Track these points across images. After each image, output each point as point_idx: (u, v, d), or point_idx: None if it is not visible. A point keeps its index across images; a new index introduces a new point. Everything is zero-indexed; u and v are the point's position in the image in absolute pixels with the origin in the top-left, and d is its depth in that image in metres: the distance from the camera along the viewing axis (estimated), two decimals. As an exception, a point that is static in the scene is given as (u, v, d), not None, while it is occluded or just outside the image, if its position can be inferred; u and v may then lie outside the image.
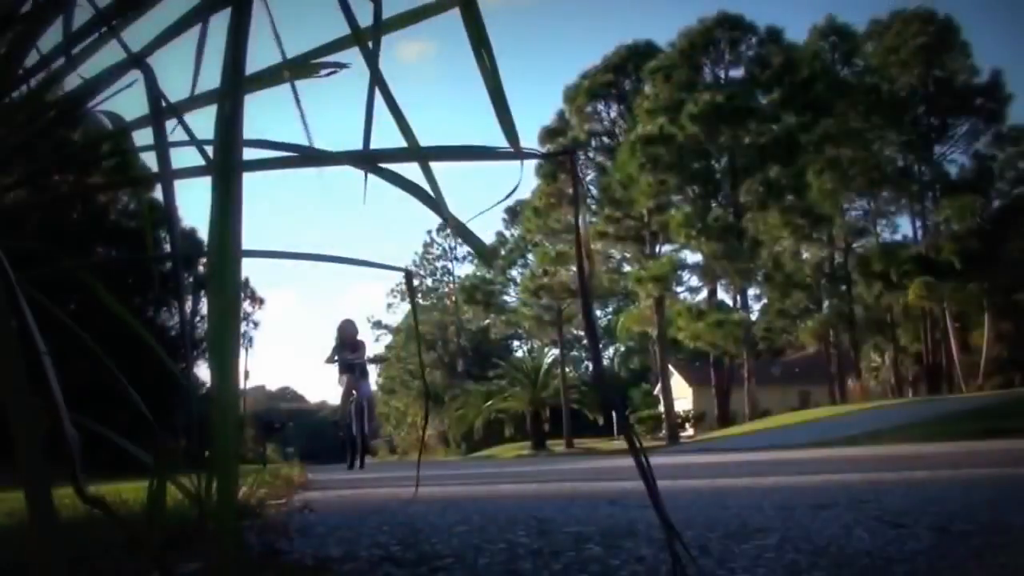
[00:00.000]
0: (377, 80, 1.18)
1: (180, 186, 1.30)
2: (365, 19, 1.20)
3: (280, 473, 8.26)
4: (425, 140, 1.24)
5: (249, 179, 1.34)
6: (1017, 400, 21.32)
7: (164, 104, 1.26)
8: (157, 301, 27.30)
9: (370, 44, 1.20)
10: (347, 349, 16.84)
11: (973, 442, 11.52)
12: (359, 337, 17.80)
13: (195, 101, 1.33)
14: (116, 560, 1.45)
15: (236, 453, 0.91)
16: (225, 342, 0.91)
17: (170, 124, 1.30)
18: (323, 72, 1.42)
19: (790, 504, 2.77)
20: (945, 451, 8.38)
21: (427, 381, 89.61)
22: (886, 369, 66.03)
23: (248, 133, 1.39)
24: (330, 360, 16.98)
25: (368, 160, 1.25)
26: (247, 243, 0.95)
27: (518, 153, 1.29)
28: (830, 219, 55.82)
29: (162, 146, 1.22)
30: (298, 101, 1.32)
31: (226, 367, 0.90)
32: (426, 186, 1.27)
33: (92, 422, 1.27)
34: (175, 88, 1.30)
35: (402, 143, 1.23)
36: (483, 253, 1.75)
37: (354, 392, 16.73)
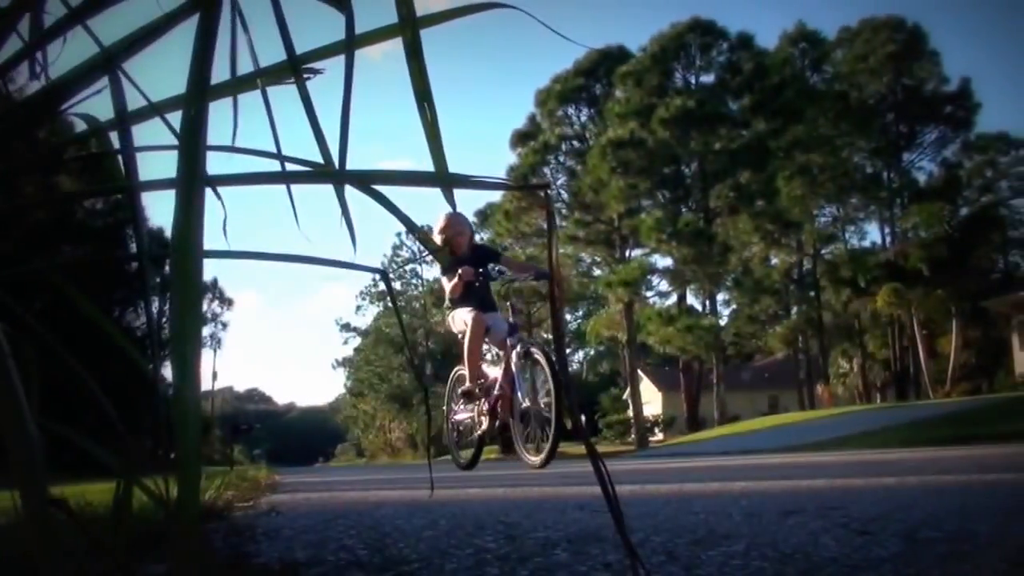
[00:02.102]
0: (304, 101, 1.17)
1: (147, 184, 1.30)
2: (337, 30, 1.20)
3: (247, 475, 8.22)
4: (390, 139, 1.24)
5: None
6: (984, 407, 21.50)
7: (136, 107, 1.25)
8: (123, 301, 27.17)
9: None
10: (467, 258, 9.47)
11: (941, 448, 11.60)
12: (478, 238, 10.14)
13: (163, 106, 1.32)
14: (79, 563, 1.44)
15: (199, 454, 0.90)
16: (187, 342, 0.90)
17: (149, 124, 1.30)
18: (297, 79, 1.41)
19: (758, 510, 2.78)
20: (913, 457, 8.43)
21: (395, 384, 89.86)
22: (854, 375, 66.46)
23: (223, 139, 1.38)
24: (453, 277, 9.25)
25: (338, 178, 1.25)
26: (214, 244, 0.95)
27: (496, 184, 1.30)
28: (799, 225, 56.15)
29: (127, 151, 1.21)
30: (268, 108, 1.31)
31: (188, 367, 0.90)
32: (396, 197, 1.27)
33: (56, 423, 1.26)
34: (153, 88, 1.30)
35: (361, 148, 1.24)
36: (444, 261, 1.75)
37: (506, 334, 9.23)
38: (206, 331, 65.10)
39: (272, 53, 1.35)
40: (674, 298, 57.09)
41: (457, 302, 9.68)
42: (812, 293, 59.71)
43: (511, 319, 9.42)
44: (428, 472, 7.54)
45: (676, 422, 63.54)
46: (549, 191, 1.37)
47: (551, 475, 7.68)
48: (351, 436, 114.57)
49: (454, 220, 9.58)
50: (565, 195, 54.75)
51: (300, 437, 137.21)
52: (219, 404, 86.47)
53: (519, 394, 8.86)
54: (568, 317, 64.44)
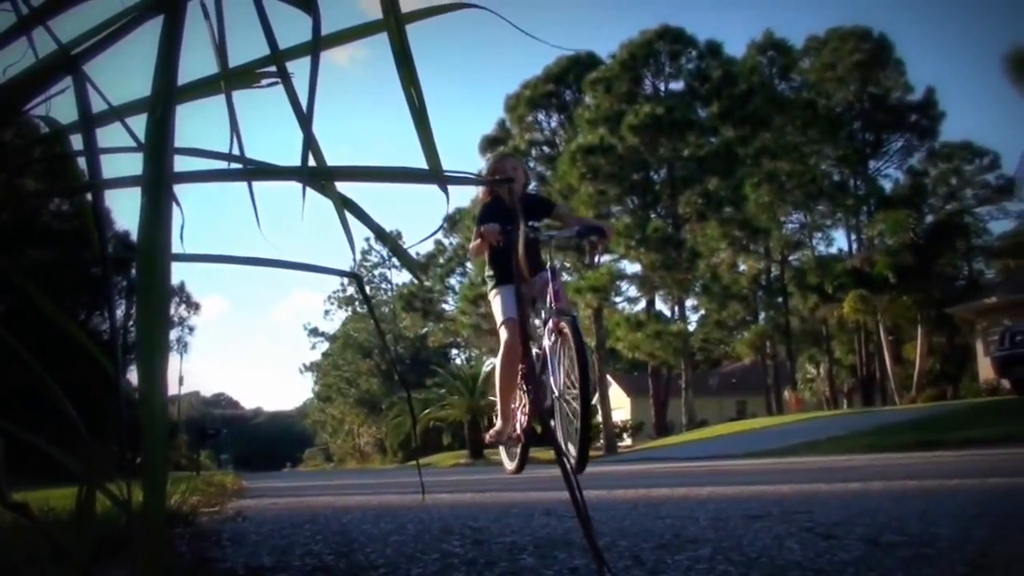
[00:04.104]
0: (290, 95, 1.17)
1: (114, 188, 1.29)
2: (303, 32, 1.19)
3: (214, 480, 8.18)
4: (358, 144, 1.24)
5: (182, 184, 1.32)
6: (949, 412, 21.63)
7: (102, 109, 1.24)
8: (89, 304, 26.98)
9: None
10: (503, 210, 8.00)
11: (906, 453, 11.67)
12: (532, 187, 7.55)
13: (129, 108, 1.31)
14: (41, 569, 1.43)
15: (165, 459, 0.90)
16: (153, 346, 0.90)
17: (116, 124, 1.29)
18: (264, 82, 1.41)
19: (724, 515, 2.79)
20: (878, 462, 8.49)
21: (363, 389, 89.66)
22: (821, 381, 66.77)
23: (189, 141, 1.38)
24: (490, 235, 7.72)
25: (309, 177, 1.24)
26: (180, 247, 0.95)
27: (460, 179, 1.29)
28: (767, 231, 56.39)
29: (91, 153, 1.21)
30: (232, 111, 1.31)
31: (154, 371, 0.89)
32: (359, 197, 1.27)
33: (18, 427, 1.25)
34: (122, 88, 1.29)
35: (335, 153, 1.23)
36: (413, 268, 1.75)
37: (546, 304, 7.77)
38: (173, 335, 64.87)
39: (239, 55, 1.34)
40: (643, 304, 57.16)
41: (491, 269, 8.40)
42: (779, 299, 59.97)
43: (554, 284, 7.78)
44: (396, 477, 7.52)
45: (644, 427, 63.70)
46: (513, 186, 1.37)
47: (520, 480, 7.68)
48: (319, 441, 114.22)
49: (499, 164, 8.83)
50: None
51: (267, 442, 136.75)
52: (186, 409, 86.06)
53: (552, 381, 7.57)
54: (536, 322, 64.29)
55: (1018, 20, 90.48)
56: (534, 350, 7.87)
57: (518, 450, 8.42)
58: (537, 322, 8.08)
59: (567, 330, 7.32)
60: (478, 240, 7.91)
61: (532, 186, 8.52)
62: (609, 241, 8.43)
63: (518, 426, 8.21)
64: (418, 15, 1.30)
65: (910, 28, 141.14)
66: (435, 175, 1.25)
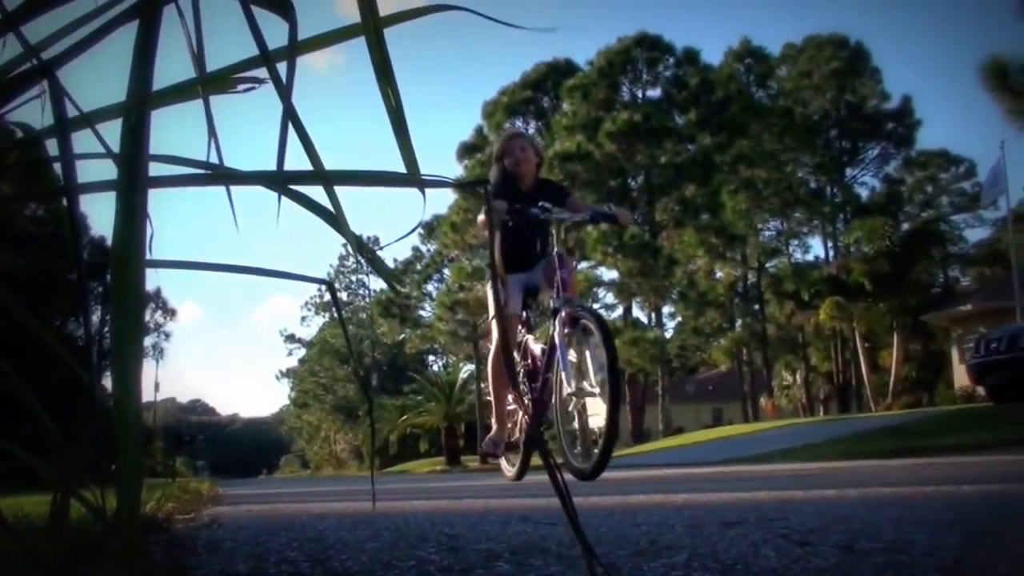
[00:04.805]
0: (282, 97, 1.17)
1: (90, 194, 1.28)
2: (280, 37, 1.19)
3: (189, 487, 8.14)
4: (335, 151, 1.24)
5: (158, 191, 1.32)
6: (924, 419, 21.73)
7: (77, 114, 1.24)
8: (64, 311, 26.86)
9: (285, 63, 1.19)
10: (522, 191, 7.38)
11: (881, 460, 11.72)
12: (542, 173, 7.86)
13: (104, 113, 1.30)
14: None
15: (140, 465, 0.90)
16: (128, 353, 0.89)
17: (87, 132, 1.28)
18: (240, 88, 1.41)
19: (700, 521, 2.79)
20: (854, 469, 8.52)
21: (340, 395, 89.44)
22: (798, 387, 66.95)
23: (165, 148, 1.37)
24: (497, 213, 6.82)
25: (280, 182, 1.24)
26: (157, 253, 0.94)
27: (434, 182, 1.29)
28: (744, 239, 56.67)
29: (66, 158, 1.20)
30: (210, 117, 1.30)
31: (128, 377, 0.89)
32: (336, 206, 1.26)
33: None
34: (87, 96, 1.28)
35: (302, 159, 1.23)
36: (390, 279, 1.74)
37: (552, 294, 7.08)
38: (149, 341, 64.65)
39: (218, 57, 1.34)
40: (620, 311, 57.25)
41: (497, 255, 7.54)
42: (756, 306, 60.21)
43: (562, 272, 6.98)
44: (373, 484, 7.48)
45: (621, 434, 63.72)
46: (487, 188, 1.37)
47: (496, 487, 7.64)
48: (295, 447, 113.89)
49: (508, 145, 7.57)
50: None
51: (244, 448, 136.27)
52: (162, 415, 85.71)
53: (564, 377, 6.70)
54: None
55: (993, 30, 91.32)
56: (538, 346, 7.23)
57: (518, 455, 7.76)
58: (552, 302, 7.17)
59: (589, 322, 6.53)
60: (483, 216, 7.15)
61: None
62: (623, 229, 7.79)
63: (516, 430, 7.60)
64: (397, 18, 1.30)
65: (887, 37, 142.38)
66: (413, 179, 1.25)
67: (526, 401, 7.34)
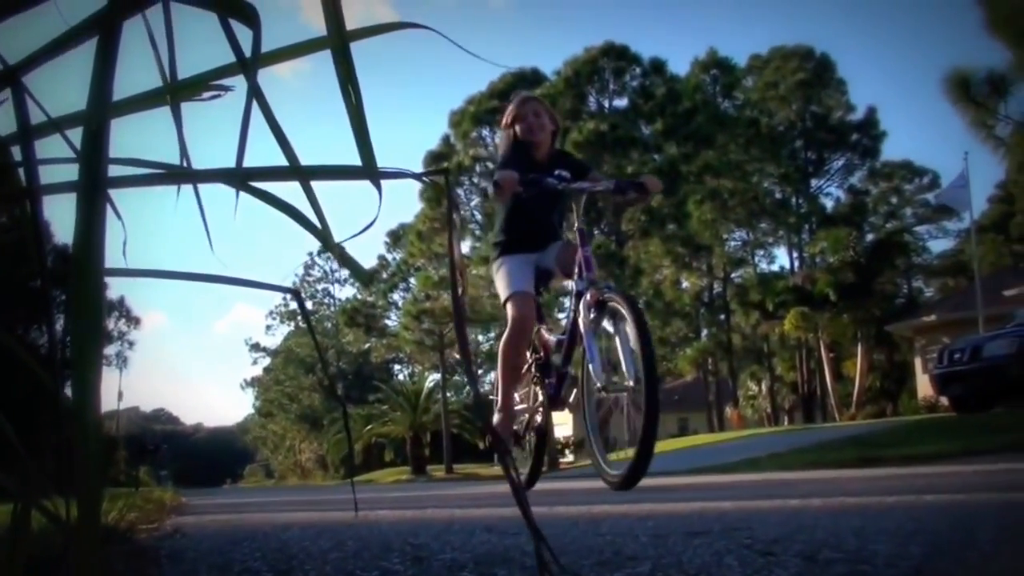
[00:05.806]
0: (258, 99, 1.17)
1: (54, 201, 1.28)
2: (246, 45, 1.19)
3: (152, 496, 8.08)
4: (300, 155, 1.23)
5: (124, 197, 1.32)
6: (888, 429, 21.83)
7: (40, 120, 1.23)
8: (27, 318, 26.62)
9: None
10: (537, 162, 6.58)
11: (845, 470, 11.75)
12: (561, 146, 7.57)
13: (68, 120, 1.30)
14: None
15: (100, 474, 0.89)
16: (87, 361, 0.89)
17: (56, 137, 1.28)
18: (206, 95, 1.40)
19: (664, 531, 2.80)
20: (818, 479, 8.55)
21: (305, 404, 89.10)
22: (763, 397, 67.32)
23: (136, 153, 1.36)
24: (507, 183, 6.06)
25: (239, 178, 1.24)
26: (118, 261, 0.94)
27: (393, 174, 1.29)
28: (710, 249, 56.91)
29: (30, 164, 1.20)
30: (178, 122, 1.30)
31: (88, 385, 0.88)
32: (304, 206, 1.26)
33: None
34: (58, 102, 1.28)
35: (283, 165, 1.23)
36: (362, 277, 1.74)
37: (573, 274, 6.19)
38: (112, 350, 64.17)
39: (186, 63, 1.34)
40: (586, 320, 57.25)
41: (502, 234, 6.84)
42: (722, 316, 60.46)
43: (584, 250, 6.15)
44: (337, 494, 7.45)
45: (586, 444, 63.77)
46: (449, 176, 1.36)
47: (461, 496, 7.62)
48: (260, 457, 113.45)
49: (523, 109, 6.67)
50: (479, 217, 54.68)
51: (208, 458, 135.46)
52: (125, 424, 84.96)
53: (592, 370, 5.93)
54: (480, 339, 64.28)
55: (957, 42, 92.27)
56: (553, 336, 6.58)
57: (528, 456, 7.04)
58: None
59: (619, 304, 5.66)
60: (494, 189, 6.18)
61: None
62: (649, 199, 6.98)
63: (523, 429, 6.98)
64: (363, 33, 1.30)
65: (852, 48, 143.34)
66: (368, 171, 1.24)
67: (540, 397, 6.71)
